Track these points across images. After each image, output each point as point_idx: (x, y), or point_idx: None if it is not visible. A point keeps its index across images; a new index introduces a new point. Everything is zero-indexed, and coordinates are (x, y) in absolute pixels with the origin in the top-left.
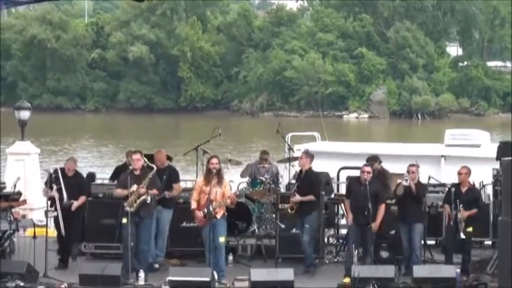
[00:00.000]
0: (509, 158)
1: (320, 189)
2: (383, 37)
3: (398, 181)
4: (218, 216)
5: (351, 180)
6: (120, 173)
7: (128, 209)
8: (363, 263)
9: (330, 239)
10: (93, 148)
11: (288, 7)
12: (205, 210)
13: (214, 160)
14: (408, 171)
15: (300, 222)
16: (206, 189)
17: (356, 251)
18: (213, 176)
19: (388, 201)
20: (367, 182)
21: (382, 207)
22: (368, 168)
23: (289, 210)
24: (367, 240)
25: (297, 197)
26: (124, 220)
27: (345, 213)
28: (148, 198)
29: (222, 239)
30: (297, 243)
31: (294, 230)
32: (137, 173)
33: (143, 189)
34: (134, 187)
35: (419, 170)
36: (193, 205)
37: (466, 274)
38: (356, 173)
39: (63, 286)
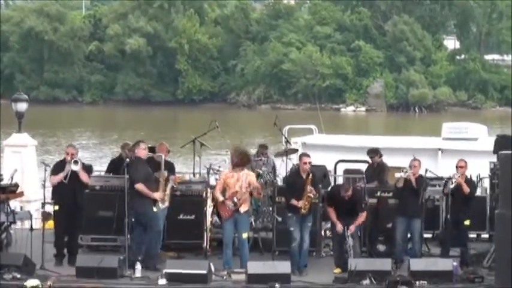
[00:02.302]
0: (507, 152)
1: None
2: (380, 30)
3: (398, 175)
4: (243, 208)
5: (331, 190)
6: (115, 165)
7: (161, 205)
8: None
9: (327, 232)
10: (90, 140)
11: (286, 0)
12: (231, 202)
13: (242, 149)
14: (410, 166)
15: (300, 219)
16: (231, 182)
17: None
18: (240, 168)
19: (385, 195)
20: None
21: (363, 215)
22: (349, 193)
23: (307, 202)
24: (353, 237)
25: (314, 191)
26: (155, 209)
27: (333, 222)
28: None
29: (245, 235)
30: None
31: None
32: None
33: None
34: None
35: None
36: (221, 197)
37: (465, 265)
38: (353, 166)
39: (49, 283)
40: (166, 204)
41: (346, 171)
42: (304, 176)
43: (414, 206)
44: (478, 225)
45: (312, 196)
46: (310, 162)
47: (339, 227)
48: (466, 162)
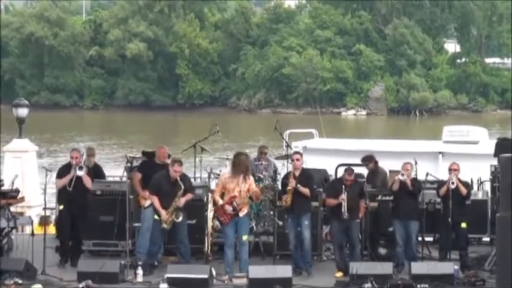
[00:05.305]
0: (508, 155)
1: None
2: (381, 34)
3: (396, 177)
4: (242, 213)
5: (333, 181)
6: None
7: (164, 226)
8: (352, 260)
9: (328, 236)
10: (91, 145)
11: (286, 4)
12: (230, 207)
13: (243, 158)
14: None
15: (296, 221)
16: (231, 186)
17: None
18: (241, 173)
19: (386, 198)
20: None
21: (362, 203)
22: (351, 177)
23: (288, 195)
24: (352, 238)
25: (294, 183)
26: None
27: (334, 204)
28: (180, 218)
29: (245, 238)
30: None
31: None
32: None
33: (181, 201)
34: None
35: (416, 167)
36: (221, 201)
37: (466, 269)
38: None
39: (81, 286)
40: (166, 226)
41: (332, 180)
42: (296, 174)
43: (409, 208)
44: (479, 229)
45: (291, 188)
46: (298, 159)
47: (342, 196)
48: (458, 164)
